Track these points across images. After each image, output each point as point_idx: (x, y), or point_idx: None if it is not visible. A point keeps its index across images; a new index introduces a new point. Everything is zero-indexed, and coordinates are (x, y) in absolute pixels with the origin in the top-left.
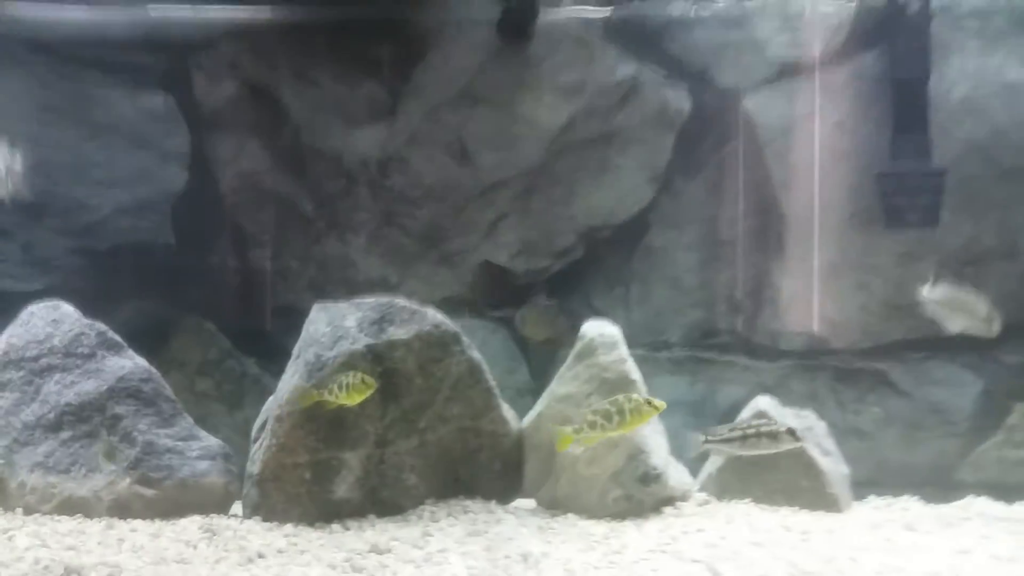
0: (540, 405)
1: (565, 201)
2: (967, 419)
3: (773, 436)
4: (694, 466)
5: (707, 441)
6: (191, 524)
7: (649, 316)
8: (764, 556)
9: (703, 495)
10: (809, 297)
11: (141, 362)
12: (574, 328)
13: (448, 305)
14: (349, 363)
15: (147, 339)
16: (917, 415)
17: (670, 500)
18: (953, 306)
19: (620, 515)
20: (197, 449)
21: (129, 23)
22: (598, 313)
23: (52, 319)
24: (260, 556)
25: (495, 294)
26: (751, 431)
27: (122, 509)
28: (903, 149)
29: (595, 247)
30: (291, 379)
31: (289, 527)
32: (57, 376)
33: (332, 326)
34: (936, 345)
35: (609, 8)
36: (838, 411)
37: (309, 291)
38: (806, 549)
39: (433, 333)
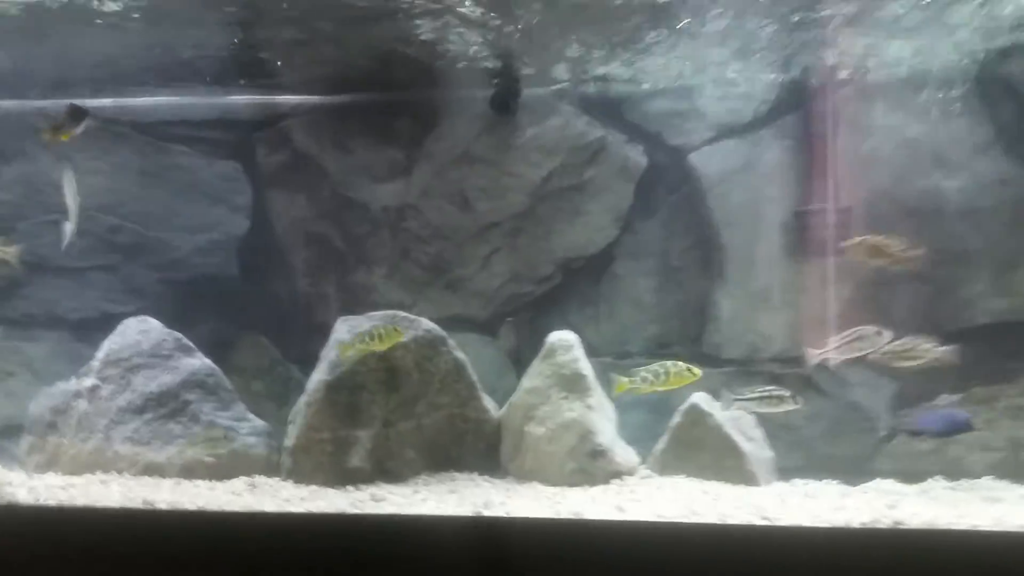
0: (513, 396)
1: (546, 238)
2: (882, 416)
3: (780, 399)
4: (644, 448)
5: (736, 400)
6: (239, 482)
7: (615, 330)
8: (670, 504)
9: (647, 471)
10: (746, 314)
11: (207, 361)
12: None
13: (452, 323)
14: (362, 360)
15: (215, 349)
16: (839, 412)
17: (618, 474)
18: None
19: (575, 484)
20: (247, 427)
21: (207, 106)
22: (573, 328)
23: (142, 329)
24: (287, 501)
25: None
26: (765, 395)
27: (189, 472)
28: (820, 193)
29: (571, 275)
30: (317, 375)
31: (314, 487)
32: (144, 372)
33: (351, 333)
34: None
35: (580, 86)
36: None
37: (342, 312)
38: (708, 503)
39: (426, 336)
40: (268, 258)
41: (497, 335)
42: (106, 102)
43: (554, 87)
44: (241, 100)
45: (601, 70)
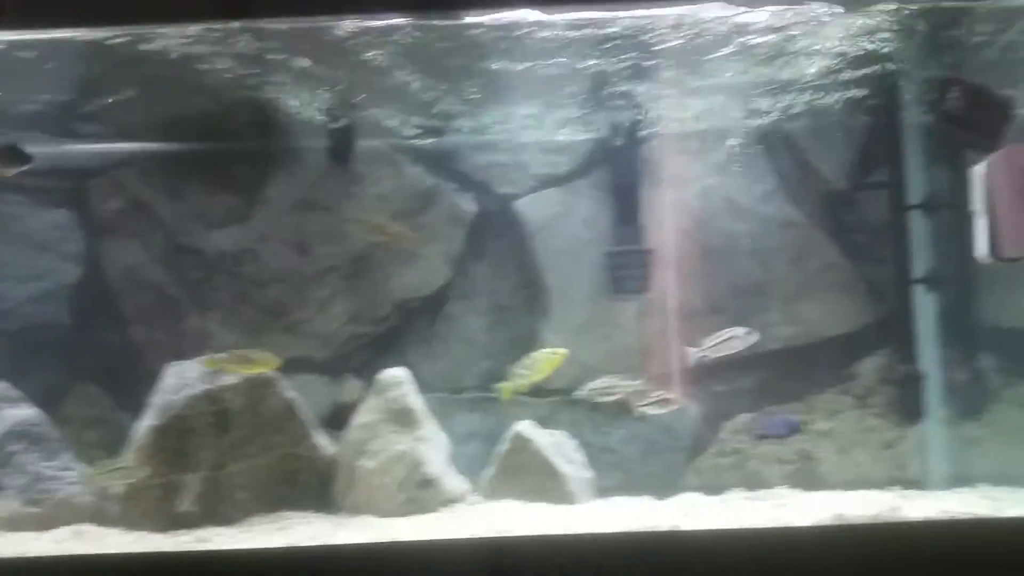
0: (346, 433)
1: (383, 281)
2: (690, 436)
3: (739, 339)
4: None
5: (700, 351)
6: (65, 530)
7: (450, 367)
8: (491, 521)
9: (477, 497)
10: (569, 348)
11: (33, 411)
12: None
13: (291, 365)
14: (190, 405)
15: (46, 400)
16: (653, 434)
17: (448, 502)
18: None
19: (406, 514)
20: (73, 476)
21: (41, 155)
22: (410, 366)
23: None
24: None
25: None
26: (721, 341)
27: (14, 524)
28: (629, 236)
29: (407, 315)
30: (145, 420)
31: (142, 533)
32: None
33: (179, 378)
34: (663, 380)
35: (413, 138)
36: (594, 434)
37: (176, 358)
38: (527, 518)
39: (255, 378)
40: (101, 306)
41: (339, 376)
42: None
43: (389, 139)
44: (75, 148)
45: (431, 123)
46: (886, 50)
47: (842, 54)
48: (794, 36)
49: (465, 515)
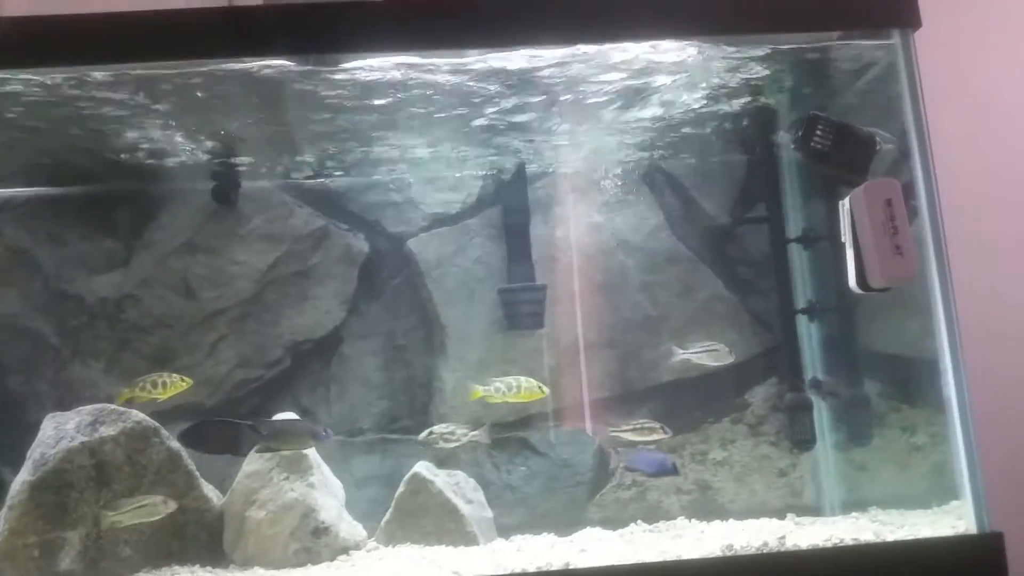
0: (234, 483)
1: (274, 323)
2: (590, 470)
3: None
4: (376, 522)
5: (682, 354)
6: None
7: (346, 409)
8: (389, 568)
9: (373, 543)
10: (467, 386)
11: None
12: None
13: (179, 412)
14: (68, 458)
15: None
16: (553, 470)
17: (344, 550)
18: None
19: (299, 564)
20: None
21: None
22: (305, 409)
23: None
24: None
25: None
26: (700, 350)
27: None
28: (520, 274)
29: (300, 357)
30: (21, 475)
31: None
32: None
33: (56, 429)
34: (560, 415)
35: (302, 179)
36: (495, 471)
37: (57, 408)
38: (429, 563)
39: (136, 428)
40: None
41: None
42: None
43: (276, 180)
44: None
45: (318, 164)
46: (761, 89)
47: (720, 93)
48: (675, 74)
49: (362, 563)
